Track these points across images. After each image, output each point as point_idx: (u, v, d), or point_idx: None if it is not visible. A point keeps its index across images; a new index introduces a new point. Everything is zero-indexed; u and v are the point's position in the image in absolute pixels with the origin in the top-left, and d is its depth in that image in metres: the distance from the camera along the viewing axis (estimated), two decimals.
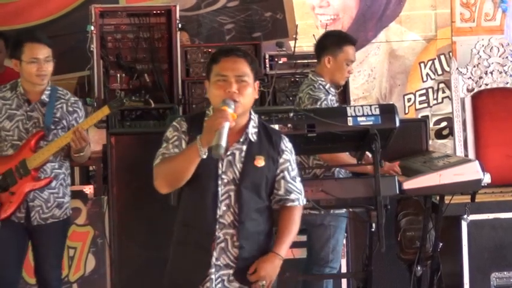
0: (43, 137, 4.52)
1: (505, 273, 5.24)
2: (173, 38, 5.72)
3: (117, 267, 5.16)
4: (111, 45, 5.77)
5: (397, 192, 4.41)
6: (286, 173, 3.38)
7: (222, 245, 3.27)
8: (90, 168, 5.77)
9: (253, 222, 3.31)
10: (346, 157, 4.78)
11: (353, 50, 5.01)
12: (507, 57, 5.90)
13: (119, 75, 5.75)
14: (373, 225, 4.38)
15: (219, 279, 3.27)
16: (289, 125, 4.29)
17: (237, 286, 3.32)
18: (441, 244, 5.02)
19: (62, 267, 4.85)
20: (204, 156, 3.15)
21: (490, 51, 5.93)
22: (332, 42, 5.01)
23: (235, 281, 3.30)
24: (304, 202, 3.47)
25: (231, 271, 3.28)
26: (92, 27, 5.58)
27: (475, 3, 7.43)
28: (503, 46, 5.95)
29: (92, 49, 5.59)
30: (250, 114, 3.36)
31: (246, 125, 3.33)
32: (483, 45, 5.93)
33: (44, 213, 4.55)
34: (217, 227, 3.26)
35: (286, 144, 3.41)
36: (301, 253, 5.15)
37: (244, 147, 3.29)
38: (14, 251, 4.57)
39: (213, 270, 3.26)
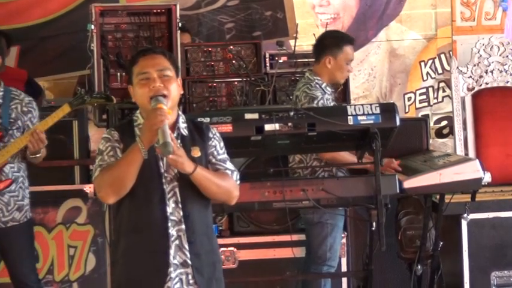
0: (1, 138, 4.45)
1: (506, 272, 5.23)
2: (173, 37, 5.70)
3: None
4: (112, 44, 5.76)
5: (398, 191, 4.41)
6: (211, 157, 3.37)
7: (177, 242, 3.26)
8: (91, 167, 5.75)
9: (199, 214, 3.30)
10: (346, 155, 4.79)
11: (352, 49, 5.08)
12: (507, 56, 5.89)
13: (119, 74, 5.74)
14: (374, 224, 4.38)
15: (177, 279, 3.25)
16: (289, 124, 4.29)
17: None
18: (441, 243, 5.03)
19: (60, 268, 4.80)
20: (146, 157, 3.16)
21: (491, 50, 5.92)
22: (331, 42, 5.06)
23: (194, 284, 3.27)
24: (238, 178, 3.41)
25: (188, 270, 3.27)
26: (92, 26, 5.56)
27: (476, 2, 7.42)
28: (503, 45, 5.94)
29: (92, 48, 5.57)
30: (178, 109, 3.38)
31: (176, 121, 3.33)
32: (483, 44, 5.92)
33: (4, 216, 4.48)
34: (169, 224, 3.25)
35: (214, 132, 3.41)
36: (301, 252, 5.15)
37: (178, 142, 3.29)
38: None
39: (171, 269, 3.24)
